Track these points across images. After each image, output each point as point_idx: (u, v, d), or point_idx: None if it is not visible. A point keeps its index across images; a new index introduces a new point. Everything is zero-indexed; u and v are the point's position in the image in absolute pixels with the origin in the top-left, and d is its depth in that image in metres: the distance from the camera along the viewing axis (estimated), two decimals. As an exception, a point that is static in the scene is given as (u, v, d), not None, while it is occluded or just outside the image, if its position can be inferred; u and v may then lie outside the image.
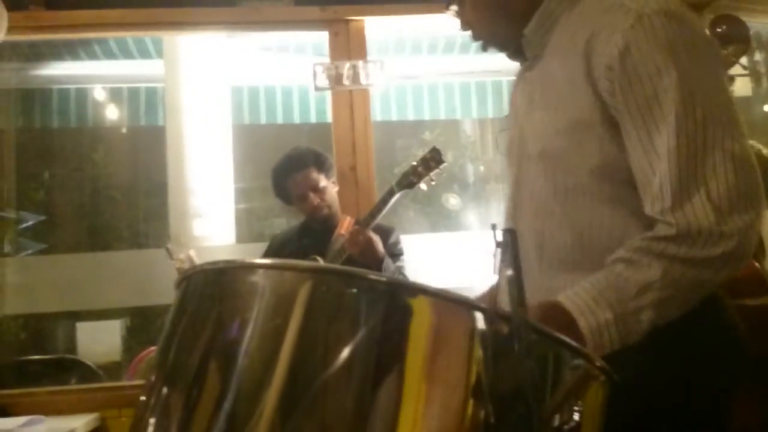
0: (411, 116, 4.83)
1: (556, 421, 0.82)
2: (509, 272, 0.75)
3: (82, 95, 4.67)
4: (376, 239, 2.62)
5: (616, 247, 1.13)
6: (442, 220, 6.00)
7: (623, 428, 1.03)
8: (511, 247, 0.75)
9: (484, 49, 1.37)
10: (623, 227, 1.16)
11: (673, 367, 1.13)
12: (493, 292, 1.44)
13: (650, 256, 1.09)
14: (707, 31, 2.53)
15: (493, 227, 0.80)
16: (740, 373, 1.24)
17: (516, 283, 0.75)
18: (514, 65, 1.39)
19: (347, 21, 3.13)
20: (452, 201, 6.08)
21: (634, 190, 1.15)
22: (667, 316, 1.08)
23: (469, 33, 1.35)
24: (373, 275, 0.82)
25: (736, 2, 3.18)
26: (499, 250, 0.76)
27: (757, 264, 2.35)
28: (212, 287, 0.93)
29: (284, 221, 5.01)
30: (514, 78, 1.42)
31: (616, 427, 0.92)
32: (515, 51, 1.34)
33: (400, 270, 2.72)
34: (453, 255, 3.33)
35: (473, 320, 0.80)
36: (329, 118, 3.19)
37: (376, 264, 2.59)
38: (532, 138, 1.26)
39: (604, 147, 1.15)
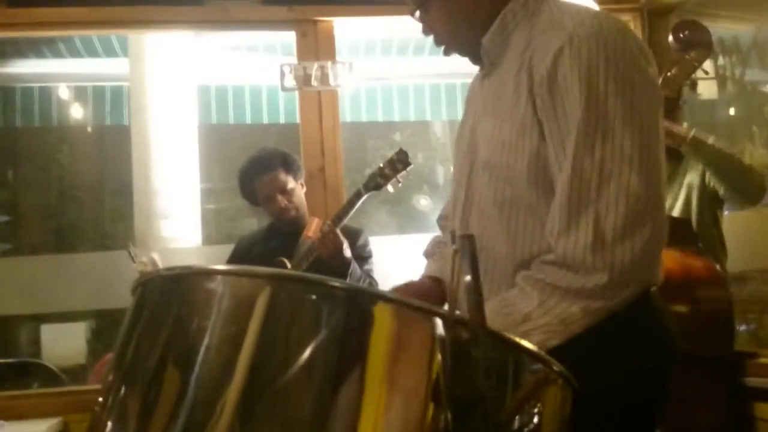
0: (381, 117, 4.83)
1: (516, 423, 0.83)
2: (467, 278, 0.75)
3: (47, 94, 4.60)
4: (345, 243, 2.61)
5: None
6: (412, 222, 6.02)
7: None
8: (469, 252, 0.75)
9: (446, 53, 1.39)
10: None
11: (599, 365, 1.14)
12: (424, 284, 1.49)
13: (531, 284, 1.15)
14: (670, 38, 2.57)
15: (452, 233, 0.79)
16: (669, 372, 1.27)
17: (474, 289, 0.75)
18: (484, 68, 1.41)
19: (315, 21, 3.11)
20: (423, 202, 6.10)
21: None
22: (550, 341, 1.10)
23: (431, 37, 1.38)
24: (332, 282, 0.82)
25: (700, 8, 3.22)
26: (457, 255, 0.76)
27: (717, 266, 2.37)
28: (169, 294, 0.92)
29: (255, 221, 4.98)
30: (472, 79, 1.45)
31: None
32: (476, 57, 1.36)
33: (368, 273, 2.71)
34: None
35: (433, 326, 0.80)
36: (298, 118, 3.17)
37: (343, 267, 2.57)
38: (482, 145, 1.29)
39: (540, 162, 1.18)
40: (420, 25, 1.38)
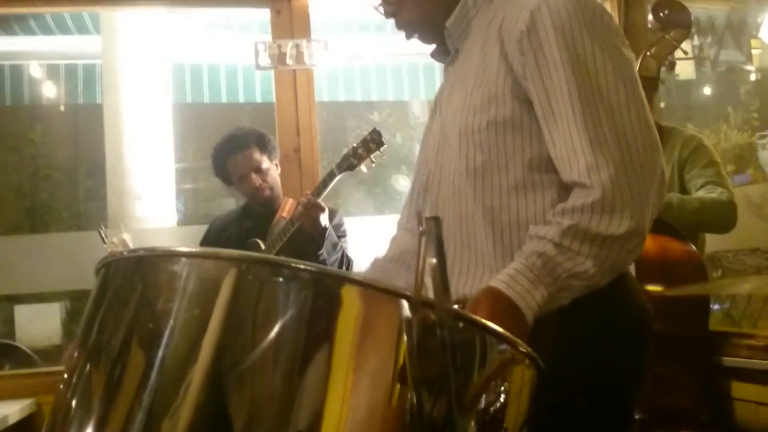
0: (358, 97, 4.81)
1: (483, 403, 0.83)
2: (432, 260, 0.74)
3: (18, 72, 4.53)
4: (325, 210, 2.59)
5: (526, 224, 1.18)
6: (390, 202, 6.02)
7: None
8: (435, 234, 0.74)
9: (408, 37, 1.38)
10: (531, 207, 1.20)
11: (577, 344, 1.17)
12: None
13: (578, 240, 1.11)
14: (650, 16, 2.56)
15: (419, 215, 0.78)
16: (646, 351, 1.27)
17: (440, 271, 0.74)
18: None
19: (290, -1, 3.08)
20: (401, 182, 6.10)
21: (544, 170, 1.19)
22: (582, 293, 1.12)
23: (392, 20, 1.37)
24: (299, 264, 0.81)
25: (678, -13, 3.21)
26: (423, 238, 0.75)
27: (693, 247, 2.38)
28: (132, 276, 0.90)
29: (233, 201, 4.96)
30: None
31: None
32: (439, 44, 1.36)
33: (343, 250, 2.71)
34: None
35: (400, 308, 0.79)
36: (275, 98, 3.14)
37: (321, 235, 2.57)
38: (452, 121, 1.28)
39: (516, 122, 1.19)
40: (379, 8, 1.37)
